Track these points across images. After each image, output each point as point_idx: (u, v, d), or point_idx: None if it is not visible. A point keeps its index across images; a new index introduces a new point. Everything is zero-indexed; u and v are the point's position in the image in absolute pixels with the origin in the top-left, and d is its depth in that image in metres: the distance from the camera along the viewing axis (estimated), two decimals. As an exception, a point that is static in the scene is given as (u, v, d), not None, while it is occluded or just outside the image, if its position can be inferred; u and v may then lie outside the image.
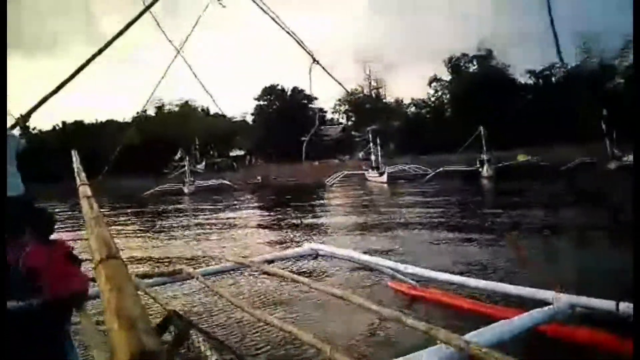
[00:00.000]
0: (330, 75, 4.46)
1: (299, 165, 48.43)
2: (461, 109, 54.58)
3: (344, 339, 5.05)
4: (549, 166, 31.78)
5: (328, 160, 60.69)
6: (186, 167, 43.81)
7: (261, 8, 3.98)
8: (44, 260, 3.38)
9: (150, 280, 5.26)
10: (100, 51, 4.63)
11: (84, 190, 1.83)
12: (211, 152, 64.61)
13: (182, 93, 68.04)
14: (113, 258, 0.92)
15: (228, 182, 42.07)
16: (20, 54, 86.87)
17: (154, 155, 57.64)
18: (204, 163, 53.03)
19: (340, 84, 4.95)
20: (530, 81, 64.32)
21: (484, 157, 33.31)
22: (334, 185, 35.87)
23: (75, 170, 2.46)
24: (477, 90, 53.48)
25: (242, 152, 69.64)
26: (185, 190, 39.29)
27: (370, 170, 39.03)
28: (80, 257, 3.76)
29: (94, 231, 1.12)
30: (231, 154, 68.20)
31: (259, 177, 48.07)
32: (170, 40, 5.30)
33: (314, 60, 4.26)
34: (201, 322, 5.44)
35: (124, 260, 0.96)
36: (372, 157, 50.94)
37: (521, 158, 34.03)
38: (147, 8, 4.66)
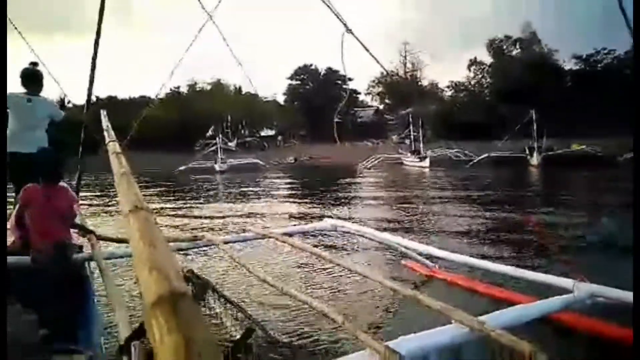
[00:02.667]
0: (364, 46, 4.26)
1: (330, 147, 47.11)
2: (506, 93, 51.92)
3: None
4: (606, 156, 29.55)
5: (360, 143, 59.18)
6: (218, 145, 42.95)
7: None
8: (35, 196, 3.75)
9: (171, 245, 5.07)
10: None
11: (114, 146, 1.91)
12: (242, 131, 63.85)
13: (215, 72, 67.45)
14: (142, 209, 0.94)
15: (260, 162, 41.11)
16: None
17: (185, 132, 57.31)
18: (235, 141, 52.26)
19: (374, 57, 4.59)
20: (577, 67, 61.02)
21: (534, 144, 31.18)
22: (371, 168, 34.35)
23: (104, 128, 2.55)
24: (523, 74, 50.76)
25: (272, 132, 68.72)
26: (217, 167, 38.53)
27: (409, 155, 37.28)
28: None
29: (124, 185, 1.21)
30: (262, 133, 67.34)
31: (291, 158, 46.99)
32: (203, 6, 5.14)
33: (347, 29, 4.12)
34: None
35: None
36: (407, 141, 49.20)
37: (575, 147, 31.59)
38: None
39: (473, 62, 70.37)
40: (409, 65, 76.99)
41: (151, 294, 0.61)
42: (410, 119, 41.90)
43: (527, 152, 31.54)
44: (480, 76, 68.78)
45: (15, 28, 5.51)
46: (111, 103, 59.88)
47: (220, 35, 5.40)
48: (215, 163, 39.56)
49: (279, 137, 66.92)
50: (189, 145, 53.92)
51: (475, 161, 32.10)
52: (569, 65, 60.89)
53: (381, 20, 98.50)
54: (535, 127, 31.84)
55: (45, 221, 3.74)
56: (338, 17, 4.10)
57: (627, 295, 3.23)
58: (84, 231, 4.59)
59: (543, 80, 49.79)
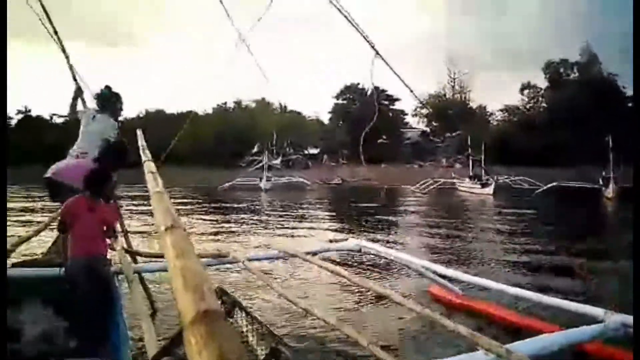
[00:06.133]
0: (391, 69, 4.20)
1: (377, 168, 45.45)
2: (569, 118, 49.01)
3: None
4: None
5: (406, 165, 57.37)
6: (264, 162, 42.07)
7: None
8: (79, 207, 3.82)
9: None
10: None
11: (149, 165, 1.99)
12: (287, 149, 63.29)
13: (261, 91, 67.59)
14: (176, 228, 0.96)
15: (306, 181, 39.89)
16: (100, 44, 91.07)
17: (230, 148, 57.21)
18: (280, 159, 51.47)
19: (402, 80, 4.43)
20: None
21: (610, 174, 28.33)
22: (427, 193, 32.30)
23: (140, 148, 2.63)
24: (588, 98, 47.89)
25: (316, 151, 67.76)
26: (262, 185, 37.55)
27: (467, 180, 35.01)
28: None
29: (159, 203, 1.20)
30: (306, 152, 66.48)
31: (339, 178, 45.46)
32: (235, 28, 5.06)
33: (376, 52, 4.07)
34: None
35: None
36: (458, 165, 46.92)
37: (658, 179, 28.58)
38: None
39: (526, 86, 67.87)
40: (457, 87, 75.17)
41: (188, 312, 0.64)
42: (469, 142, 39.53)
43: (602, 182, 28.74)
44: (534, 100, 66.14)
45: (59, 40, 5.90)
46: (159, 117, 60.66)
47: (254, 59, 5.35)
48: (261, 181, 38.59)
49: (324, 156, 65.80)
50: (231, 161, 53.65)
51: (540, 190, 29.60)
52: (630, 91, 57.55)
53: (430, 40, 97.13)
54: (611, 156, 28.98)
55: (86, 234, 3.77)
56: (365, 39, 4.05)
57: None
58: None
59: (611, 105, 46.73)
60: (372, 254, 6.38)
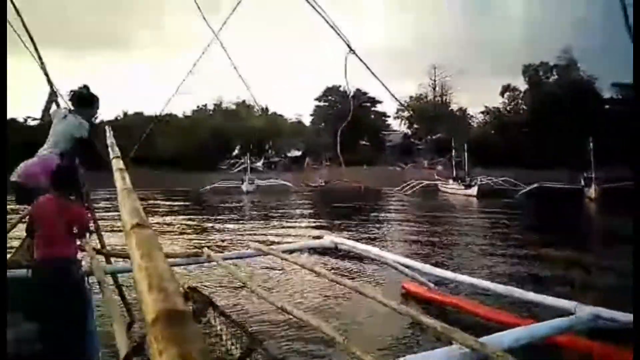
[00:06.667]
0: (368, 68, 4.32)
1: (360, 170, 45.17)
2: (550, 121, 49.56)
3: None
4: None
5: (389, 167, 57.38)
6: (247, 164, 41.41)
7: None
8: (48, 207, 3.69)
9: (170, 260, 4.87)
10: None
11: (117, 163, 1.93)
12: (269, 151, 62.68)
13: (240, 93, 66.81)
14: (143, 226, 0.95)
15: (288, 183, 39.40)
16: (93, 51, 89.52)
17: (211, 150, 56.35)
18: (262, 161, 50.87)
19: (378, 79, 4.43)
20: (616, 95, 58.49)
21: (592, 174, 28.59)
22: (412, 195, 32.09)
23: (109, 144, 2.54)
24: (568, 101, 48.58)
25: (299, 153, 67.29)
26: (244, 188, 36.94)
27: (450, 182, 34.93)
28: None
29: (126, 201, 1.18)
30: (288, 154, 65.95)
31: (321, 180, 45.00)
32: (209, 25, 5.14)
33: (350, 48, 4.16)
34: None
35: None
36: (440, 167, 47.04)
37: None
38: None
39: (507, 88, 68.55)
40: (437, 89, 75.45)
41: (151, 311, 0.62)
42: (453, 144, 39.52)
43: (584, 183, 29.02)
44: (515, 102, 66.81)
45: (33, 43, 5.66)
46: (139, 119, 59.45)
47: (227, 56, 5.38)
48: (243, 183, 37.96)
49: (307, 158, 65.39)
50: (212, 163, 52.87)
51: (523, 191, 29.68)
52: (609, 93, 58.64)
53: (410, 42, 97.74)
54: (592, 157, 29.28)
55: (54, 234, 3.61)
56: (340, 36, 4.06)
57: (629, 318, 3.08)
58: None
59: (592, 108, 47.45)
60: (348, 251, 6.41)
